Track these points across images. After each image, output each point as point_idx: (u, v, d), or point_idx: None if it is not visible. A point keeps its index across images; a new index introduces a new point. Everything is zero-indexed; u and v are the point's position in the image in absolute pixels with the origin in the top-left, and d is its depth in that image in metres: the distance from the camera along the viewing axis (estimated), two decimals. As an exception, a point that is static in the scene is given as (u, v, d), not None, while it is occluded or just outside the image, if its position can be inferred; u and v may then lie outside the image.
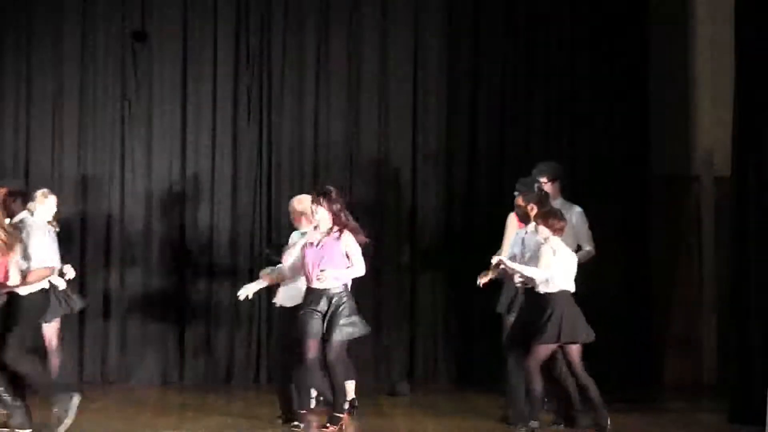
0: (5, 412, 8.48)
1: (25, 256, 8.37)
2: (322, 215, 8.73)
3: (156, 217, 11.69)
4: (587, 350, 11.68)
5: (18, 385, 8.38)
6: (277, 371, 9.42)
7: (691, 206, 12.00)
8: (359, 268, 8.77)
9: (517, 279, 8.83)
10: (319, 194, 8.75)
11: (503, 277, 9.25)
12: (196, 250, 11.68)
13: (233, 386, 11.45)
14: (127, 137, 11.74)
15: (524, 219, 9.11)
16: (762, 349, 9.04)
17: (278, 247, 9.36)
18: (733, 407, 9.29)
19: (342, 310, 8.64)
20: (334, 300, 8.64)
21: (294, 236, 9.03)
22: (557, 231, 8.72)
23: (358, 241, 8.76)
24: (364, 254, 8.84)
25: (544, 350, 8.64)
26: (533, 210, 9.02)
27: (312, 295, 8.66)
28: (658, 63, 12.08)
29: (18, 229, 8.43)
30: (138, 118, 11.74)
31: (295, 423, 8.82)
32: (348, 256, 8.71)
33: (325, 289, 8.65)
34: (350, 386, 9.43)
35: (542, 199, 9.14)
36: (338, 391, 8.70)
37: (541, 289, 8.68)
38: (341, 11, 11.95)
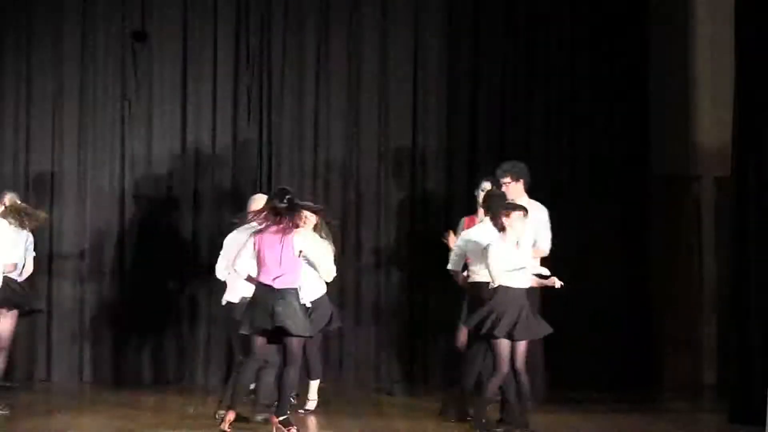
0: None
1: None
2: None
3: (156, 216, 11.68)
4: (587, 350, 11.74)
5: None
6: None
7: (691, 206, 12.00)
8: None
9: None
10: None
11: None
12: (197, 250, 11.68)
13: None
14: (127, 137, 11.74)
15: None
16: (762, 349, 9.04)
17: None
18: (733, 407, 9.29)
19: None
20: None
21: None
22: (503, 228, 8.69)
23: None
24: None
25: (499, 347, 8.60)
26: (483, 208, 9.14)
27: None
28: (658, 63, 12.08)
29: None
30: (138, 118, 11.74)
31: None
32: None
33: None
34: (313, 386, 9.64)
35: (490, 198, 9.15)
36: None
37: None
38: (341, 11, 11.96)
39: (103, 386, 11.20)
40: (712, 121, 11.75)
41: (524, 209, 8.78)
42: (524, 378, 8.68)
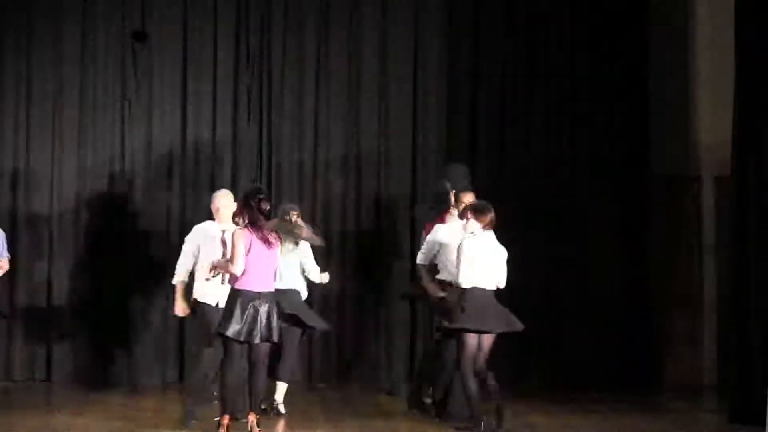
0: None
1: None
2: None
3: (157, 216, 11.68)
4: (587, 350, 11.74)
5: None
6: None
7: (691, 206, 12.00)
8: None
9: None
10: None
11: None
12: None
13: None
14: (127, 137, 11.74)
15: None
16: (762, 349, 9.05)
17: None
18: (733, 407, 9.30)
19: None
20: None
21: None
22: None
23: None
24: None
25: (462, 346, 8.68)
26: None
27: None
28: (658, 63, 12.08)
29: None
30: (138, 118, 11.74)
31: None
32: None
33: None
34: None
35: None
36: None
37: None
38: (341, 11, 11.96)
39: (103, 386, 11.19)
40: (712, 121, 11.75)
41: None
42: (490, 376, 8.77)
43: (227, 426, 8.38)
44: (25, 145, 11.65)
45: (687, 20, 12.07)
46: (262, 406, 9.19)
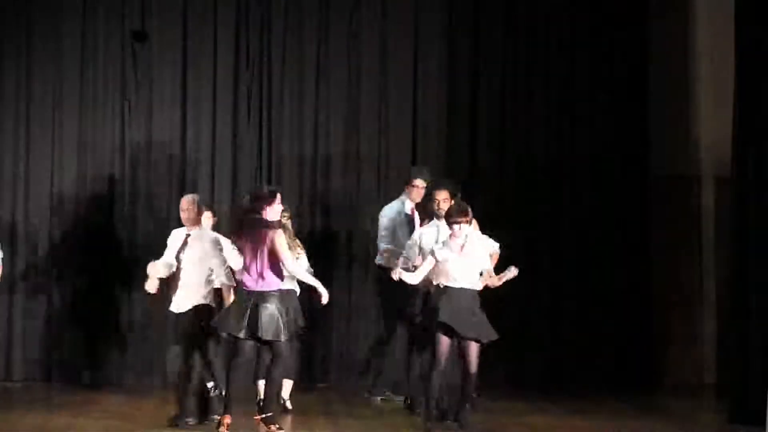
0: None
1: None
2: None
3: (157, 216, 11.68)
4: (588, 350, 11.74)
5: None
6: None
7: (691, 206, 12.00)
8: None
9: None
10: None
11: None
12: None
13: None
14: (127, 137, 11.74)
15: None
16: (762, 349, 9.04)
17: None
18: (733, 407, 9.29)
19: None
20: None
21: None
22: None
23: None
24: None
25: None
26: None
27: None
28: (658, 63, 12.08)
29: None
30: (138, 118, 11.74)
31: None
32: None
33: None
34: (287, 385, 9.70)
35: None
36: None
37: None
38: (341, 11, 11.95)
39: (103, 386, 11.19)
40: (712, 121, 11.74)
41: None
42: (472, 380, 8.73)
43: (227, 425, 8.39)
44: (25, 145, 11.64)
45: (687, 20, 12.06)
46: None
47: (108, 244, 11.61)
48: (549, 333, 11.75)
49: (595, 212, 11.95)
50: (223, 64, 11.82)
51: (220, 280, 9.00)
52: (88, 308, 11.53)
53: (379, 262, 10.42)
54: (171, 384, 9.13)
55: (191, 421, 8.90)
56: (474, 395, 8.93)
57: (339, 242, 11.76)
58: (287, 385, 9.70)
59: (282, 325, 8.46)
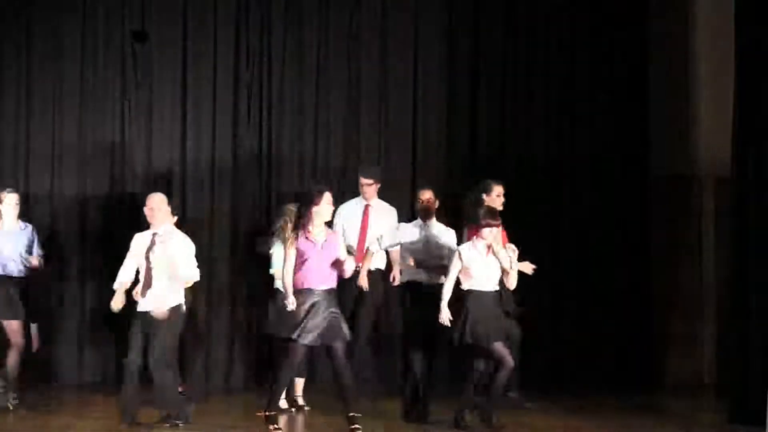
0: None
1: None
2: None
3: (156, 216, 11.67)
4: (588, 350, 11.74)
5: None
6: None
7: (691, 206, 12.00)
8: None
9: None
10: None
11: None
12: (199, 250, 11.64)
13: (232, 388, 11.46)
14: (127, 137, 11.74)
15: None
16: (762, 349, 9.04)
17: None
18: (733, 407, 9.29)
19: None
20: None
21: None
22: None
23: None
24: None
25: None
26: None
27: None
28: (658, 63, 12.08)
29: None
30: (138, 118, 11.74)
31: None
32: None
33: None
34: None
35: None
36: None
37: None
38: (341, 11, 11.96)
39: (103, 387, 11.19)
40: (712, 121, 11.74)
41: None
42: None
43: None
44: (25, 146, 11.64)
45: (687, 20, 12.07)
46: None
47: (108, 244, 11.60)
48: (549, 333, 11.76)
49: (595, 212, 11.96)
50: (223, 64, 11.82)
51: (189, 276, 9.05)
52: (88, 308, 11.53)
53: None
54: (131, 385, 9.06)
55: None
56: (513, 394, 9.31)
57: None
58: (300, 384, 9.85)
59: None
